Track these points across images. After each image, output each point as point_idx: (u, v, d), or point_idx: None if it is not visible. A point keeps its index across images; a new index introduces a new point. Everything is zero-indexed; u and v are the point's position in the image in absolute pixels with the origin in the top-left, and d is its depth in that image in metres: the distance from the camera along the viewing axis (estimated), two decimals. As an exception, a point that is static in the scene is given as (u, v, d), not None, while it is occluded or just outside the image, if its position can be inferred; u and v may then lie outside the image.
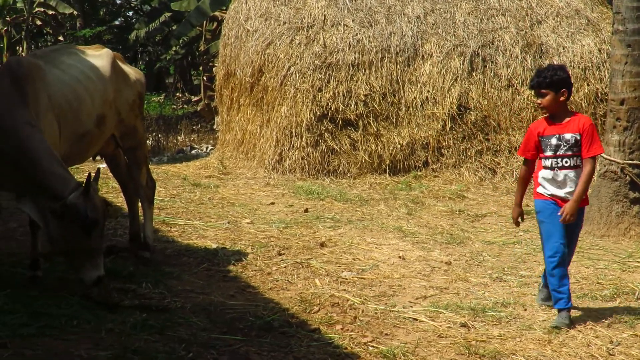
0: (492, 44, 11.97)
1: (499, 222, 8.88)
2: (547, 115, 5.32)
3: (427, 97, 11.54)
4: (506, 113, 11.63)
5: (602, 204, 8.38)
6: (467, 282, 6.34)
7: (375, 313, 5.41)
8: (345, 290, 5.92)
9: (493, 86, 11.69)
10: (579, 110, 11.53)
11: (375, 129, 11.29)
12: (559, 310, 5.34)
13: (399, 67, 11.59)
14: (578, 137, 5.17)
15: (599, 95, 11.64)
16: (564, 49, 12.10)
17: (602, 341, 5.19)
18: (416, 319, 5.37)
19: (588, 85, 11.86)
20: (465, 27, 12.03)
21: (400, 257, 6.97)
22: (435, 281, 6.32)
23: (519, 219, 5.62)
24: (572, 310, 5.69)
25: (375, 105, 11.33)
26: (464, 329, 5.21)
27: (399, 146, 11.26)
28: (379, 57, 11.52)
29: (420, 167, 11.33)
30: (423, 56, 11.70)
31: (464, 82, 11.59)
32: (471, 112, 11.54)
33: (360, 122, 11.29)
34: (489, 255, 7.23)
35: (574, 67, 11.84)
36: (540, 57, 12.02)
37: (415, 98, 11.46)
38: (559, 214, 5.17)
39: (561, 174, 5.24)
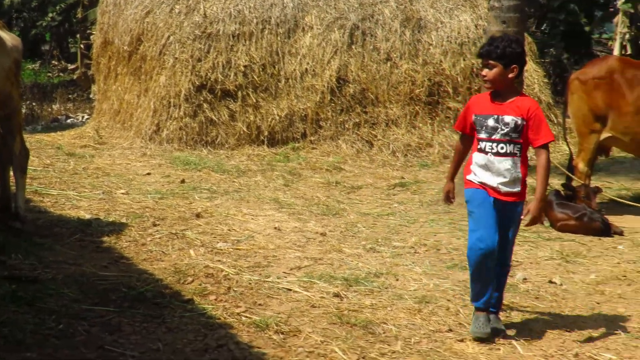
0: (372, 18, 12.21)
1: (375, 194, 9.10)
2: (489, 91, 4.71)
3: (306, 69, 11.67)
4: (384, 86, 11.88)
5: None
6: (341, 252, 6.44)
7: (250, 284, 5.43)
8: (220, 261, 5.93)
9: (372, 59, 11.92)
10: (455, 85, 12.10)
11: (254, 100, 11.33)
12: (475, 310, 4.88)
13: (279, 38, 11.68)
14: (519, 122, 4.55)
15: (474, 70, 11.96)
16: (441, 23, 12.46)
17: (470, 310, 5.31)
18: (290, 290, 5.42)
19: (464, 60, 12.26)
20: (346, 0, 12.20)
21: (275, 228, 7.03)
22: (310, 252, 6.40)
23: (450, 195, 4.98)
24: (443, 281, 5.89)
25: (255, 77, 11.38)
26: (337, 298, 5.29)
27: (277, 118, 11.33)
28: (259, 28, 11.56)
29: (298, 138, 11.46)
30: (303, 28, 11.82)
31: (344, 55, 11.76)
32: (350, 85, 11.72)
33: (240, 93, 11.30)
34: (364, 227, 7.37)
35: (451, 42, 12.28)
36: (419, 32, 12.35)
37: (294, 70, 11.57)
38: (522, 217, 4.67)
39: (495, 162, 4.61)
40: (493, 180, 4.59)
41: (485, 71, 4.60)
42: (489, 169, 4.59)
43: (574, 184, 8.75)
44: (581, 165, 8.69)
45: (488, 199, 4.62)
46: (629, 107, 8.46)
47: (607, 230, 7.94)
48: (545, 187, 4.67)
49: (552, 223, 8.10)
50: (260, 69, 11.40)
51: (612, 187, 10.00)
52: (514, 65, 4.50)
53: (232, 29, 11.40)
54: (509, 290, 5.74)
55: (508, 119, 4.52)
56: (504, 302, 5.35)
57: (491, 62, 4.54)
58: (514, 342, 4.86)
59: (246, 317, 4.80)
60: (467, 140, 4.81)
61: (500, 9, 8.38)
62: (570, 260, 6.99)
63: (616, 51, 19.34)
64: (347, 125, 11.63)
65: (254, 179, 9.42)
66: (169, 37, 11.37)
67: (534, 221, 4.59)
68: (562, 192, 8.39)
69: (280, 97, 11.58)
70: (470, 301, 4.87)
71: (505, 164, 4.57)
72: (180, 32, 11.35)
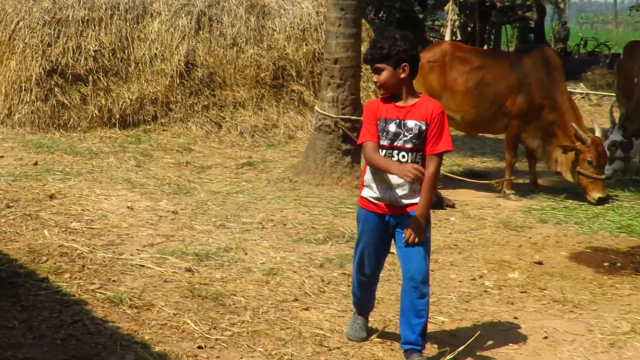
0: (218, 4, 12.31)
1: (224, 173, 9.19)
2: (385, 96, 4.05)
3: (155, 54, 11.62)
4: (231, 70, 11.98)
5: (317, 155, 8.67)
6: (192, 229, 6.49)
7: (104, 261, 5.41)
8: (74, 240, 5.86)
9: (219, 45, 11.99)
10: (299, 69, 12.25)
11: (105, 84, 11.15)
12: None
13: (128, 24, 11.56)
14: (423, 127, 3.93)
15: (316, 54, 12.22)
16: (284, 10, 12.63)
17: (314, 280, 5.53)
18: (143, 266, 5.45)
19: (307, 45, 12.44)
20: (192, -13, 12.26)
21: (128, 207, 6.99)
22: (162, 229, 6.42)
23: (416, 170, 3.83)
24: (289, 254, 5.99)
25: (105, 61, 11.22)
26: (189, 273, 5.36)
27: (128, 101, 11.22)
28: (108, 14, 11.40)
29: (149, 121, 11.42)
30: (152, 14, 11.77)
31: (192, 40, 11.80)
32: (198, 69, 11.76)
33: (90, 77, 11.11)
34: (214, 204, 7.44)
35: (294, 28, 12.46)
36: (263, 18, 12.51)
37: (144, 54, 11.50)
38: (404, 237, 3.94)
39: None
40: (391, 194, 3.95)
41: (375, 77, 4.01)
42: (387, 180, 3.93)
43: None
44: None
45: (379, 223, 4.02)
46: (460, 87, 8.82)
47: (440, 204, 8.19)
48: (430, 201, 4.05)
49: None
50: (110, 54, 11.24)
51: (444, 163, 10.22)
52: (404, 64, 3.88)
53: (82, 15, 11.17)
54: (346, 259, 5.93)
55: (411, 123, 3.91)
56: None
57: (378, 65, 3.96)
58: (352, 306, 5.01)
59: (100, 293, 4.79)
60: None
61: (339, -3, 8.47)
62: (408, 232, 7.18)
63: (447, 37, 20.23)
64: (196, 108, 11.68)
65: (106, 160, 9.27)
66: (18, 22, 10.99)
67: (413, 238, 3.90)
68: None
69: (131, 81, 11.47)
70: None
71: None
72: (30, 18, 10.99)
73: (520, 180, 9.55)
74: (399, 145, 3.89)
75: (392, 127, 3.89)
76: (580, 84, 18.48)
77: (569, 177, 8.83)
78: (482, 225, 7.78)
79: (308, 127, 11.06)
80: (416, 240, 3.85)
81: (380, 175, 3.92)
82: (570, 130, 8.59)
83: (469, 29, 22.23)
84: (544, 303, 5.67)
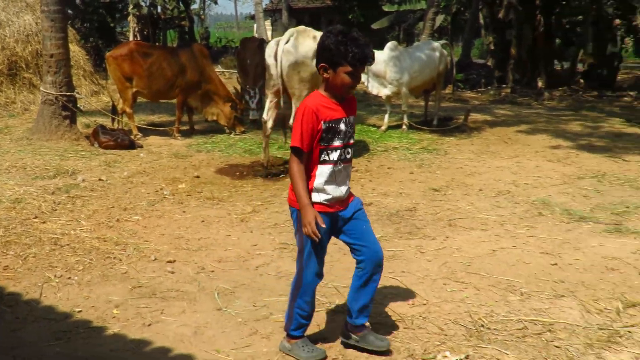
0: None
1: None
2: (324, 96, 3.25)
3: None
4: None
5: (45, 120, 9.25)
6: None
7: None
8: None
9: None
10: (27, 62, 12.84)
11: None
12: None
13: None
14: (352, 121, 3.34)
15: (39, 52, 12.77)
16: (12, 22, 13.17)
17: (48, 203, 6.03)
18: None
19: (31, 45, 13.09)
20: None
21: None
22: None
23: (319, 221, 3.16)
24: (29, 187, 6.32)
25: None
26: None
27: None
28: None
29: None
30: None
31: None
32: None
33: None
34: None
35: (20, 34, 13.05)
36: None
37: None
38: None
39: (343, 170, 3.32)
40: (339, 191, 3.31)
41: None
42: (336, 179, 3.28)
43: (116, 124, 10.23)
44: (127, 109, 10.05)
45: (330, 226, 3.30)
46: (144, 72, 9.93)
47: (132, 145, 9.14)
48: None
49: (99, 144, 9.05)
50: None
51: (145, 120, 11.30)
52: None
53: None
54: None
55: (352, 119, 3.33)
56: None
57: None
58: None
59: None
60: (305, 159, 3.23)
61: (49, 12, 9.14)
62: (111, 165, 7.90)
63: (131, 38, 25.01)
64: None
65: None
66: None
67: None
68: (106, 126, 9.54)
69: None
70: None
71: (349, 168, 3.41)
72: None
73: (184, 127, 10.66)
74: (349, 142, 3.31)
75: (343, 127, 3.24)
76: (219, 66, 21.76)
77: (223, 122, 10.52)
78: (160, 157, 8.65)
79: (38, 102, 10.62)
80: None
81: (332, 176, 3.25)
82: (222, 93, 10.35)
83: (145, 33, 26.66)
84: (201, 200, 6.46)
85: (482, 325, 3.86)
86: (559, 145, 10.13)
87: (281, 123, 8.37)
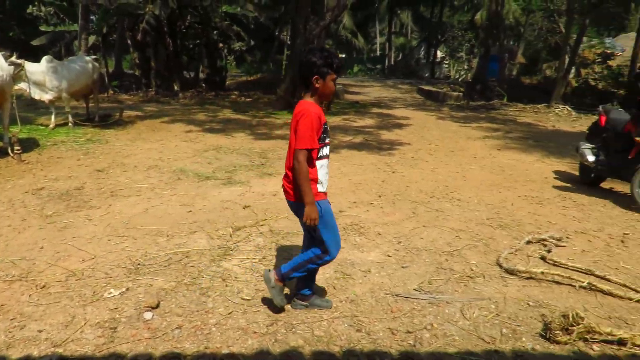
0: None
1: None
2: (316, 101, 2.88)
3: None
4: None
5: None
6: None
7: None
8: None
9: None
10: None
11: None
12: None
13: None
14: None
15: None
16: None
17: None
18: None
19: None
20: None
21: None
22: None
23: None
24: None
25: None
26: None
27: None
28: None
29: None
30: None
31: None
32: None
33: None
34: None
35: None
36: None
37: None
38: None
39: (327, 164, 2.97)
40: (327, 181, 2.97)
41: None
42: (327, 172, 2.96)
43: None
44: None
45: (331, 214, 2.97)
46: None
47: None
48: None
49: None
50: None
51: None
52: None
53: None
54: None
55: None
56: None
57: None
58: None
59: None
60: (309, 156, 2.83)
61: None
62: None
63: None
64: None
65: None
66: None
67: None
68: None
69: None
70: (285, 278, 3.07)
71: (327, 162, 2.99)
72: None
73: None
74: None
75: (328, 127, 2.93)
76: None
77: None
78: None
79: None
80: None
81: (327, 168, 2.93)
82: None
83: None
84: None
85: (139, 264, 3.83)
86: (191, 130, 10.42)
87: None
